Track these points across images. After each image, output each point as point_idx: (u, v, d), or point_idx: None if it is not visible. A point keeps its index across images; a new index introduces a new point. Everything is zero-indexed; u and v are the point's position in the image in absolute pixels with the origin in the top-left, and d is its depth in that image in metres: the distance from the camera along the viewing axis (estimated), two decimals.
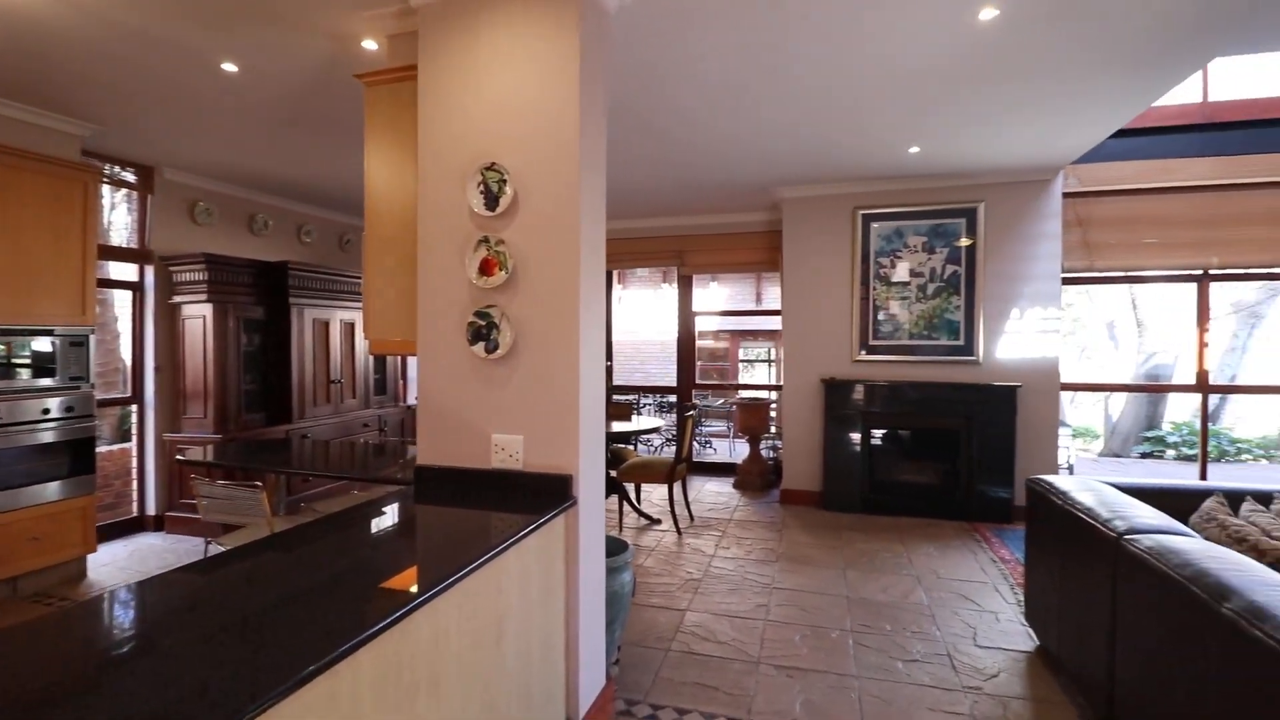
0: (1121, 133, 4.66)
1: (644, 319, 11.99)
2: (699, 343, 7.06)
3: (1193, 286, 4.66)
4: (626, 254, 6.34)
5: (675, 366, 6.52)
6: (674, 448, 8.13)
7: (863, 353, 5.03)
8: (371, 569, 1.48)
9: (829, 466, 5.01)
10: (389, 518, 1.90)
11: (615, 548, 2.57)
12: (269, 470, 3.23)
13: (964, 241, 4.77)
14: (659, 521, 4.73)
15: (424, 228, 2.15)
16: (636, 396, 8.56)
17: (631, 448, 5.62)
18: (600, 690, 2.21)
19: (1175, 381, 10.46)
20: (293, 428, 4.92)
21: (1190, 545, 1.86)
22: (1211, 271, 4.55)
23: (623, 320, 11.69)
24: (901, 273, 4.93)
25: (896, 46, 2.75)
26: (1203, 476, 4.78)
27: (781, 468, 5.40)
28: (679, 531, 4.46)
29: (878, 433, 5.04)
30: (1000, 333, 4.75)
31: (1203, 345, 4.63)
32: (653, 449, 8.35)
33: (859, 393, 4.92)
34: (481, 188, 2.05)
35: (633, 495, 4.91)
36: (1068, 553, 2.47)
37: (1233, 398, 9.87)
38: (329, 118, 3.59)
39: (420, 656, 1.28)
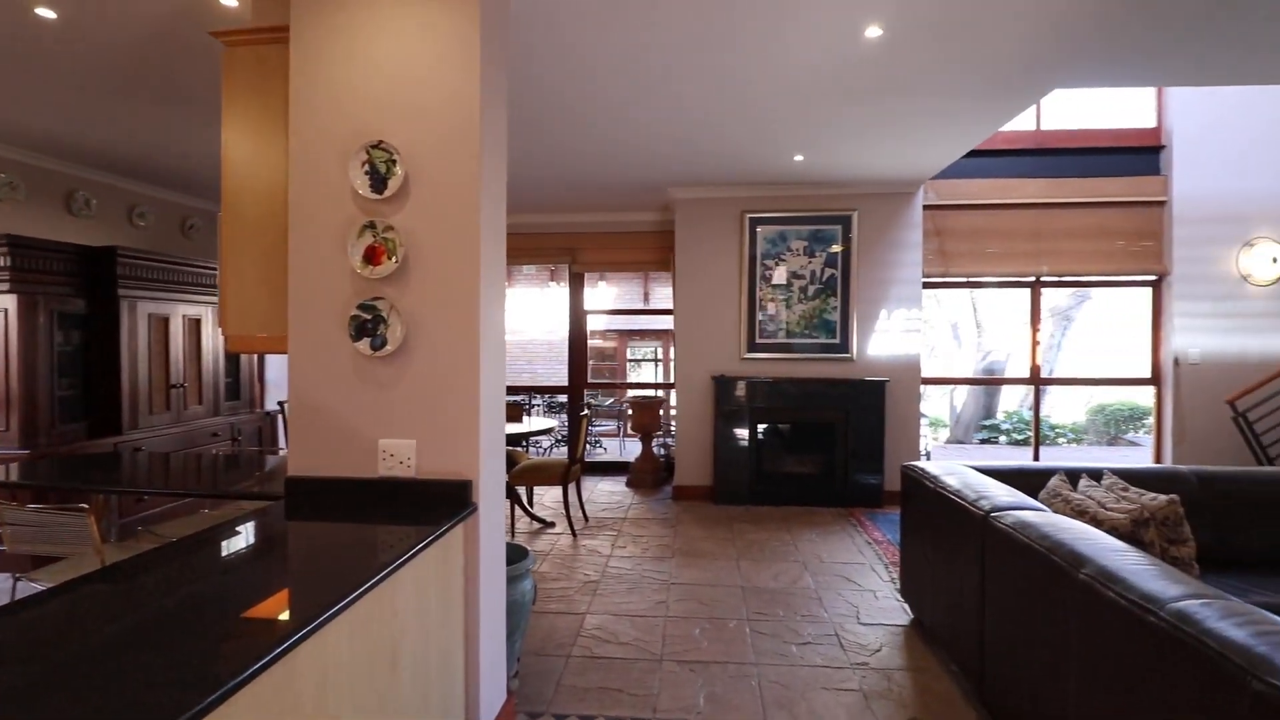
0: (972, 153, 5.19)
1: (531, 318, 11.74)
2: (590, 342, 7.00)
3: (1027, 291, 5.31)
4: (515, 250, 6.15)
5: (566, 366, 6.42)
6: (564, 449, 8.02)
7: (750, 351, 5.22)
8: (239, 597, 1.27)
9: (719, 461, 5.15)
10: (256, 538, 1.66)
11: (515, 555, 2.45)
12: (93, 490, 2.75)
13: (836, 248, 5.09)
14: (553, 524, 4.62)
15: (297, 211, 1.91)
16: (526, 397, 8.35)
17: (523, 449, 5.46)
18: (501, 706, 2.09)
19: (1008, 376, 11.88)
20: (123, 440, 4.26)
21: (1046, 519, 2.08)
22: (1042, 279, 5.21)
23: (509, 319, 11.43)
24: (784, 275, 5.18)
25: (787, 58, 2.86)
26: (1035, 458, 5.46)
27: (674, 464, 5.48)
28: (574, 533, 4.38)
29: (764, 427, 5.26)
30: (871, 332, 5.13)
31: (1035, 344, 5.29)
32: (542, 450, 8.19)
33: (747, 389, 5.10)
34: (367, 168, 1.86)
35: (524, 499, 4.76)
36: (940, 531, 2.69)
37: (1049, 389, 11.43)
38: (171, 81, 3.13)
39: (306, 695, 1.11)
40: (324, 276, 1.89)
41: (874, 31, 2.59)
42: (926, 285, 5.23)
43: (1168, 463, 5.03)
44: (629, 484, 5.80)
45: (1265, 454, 4.47)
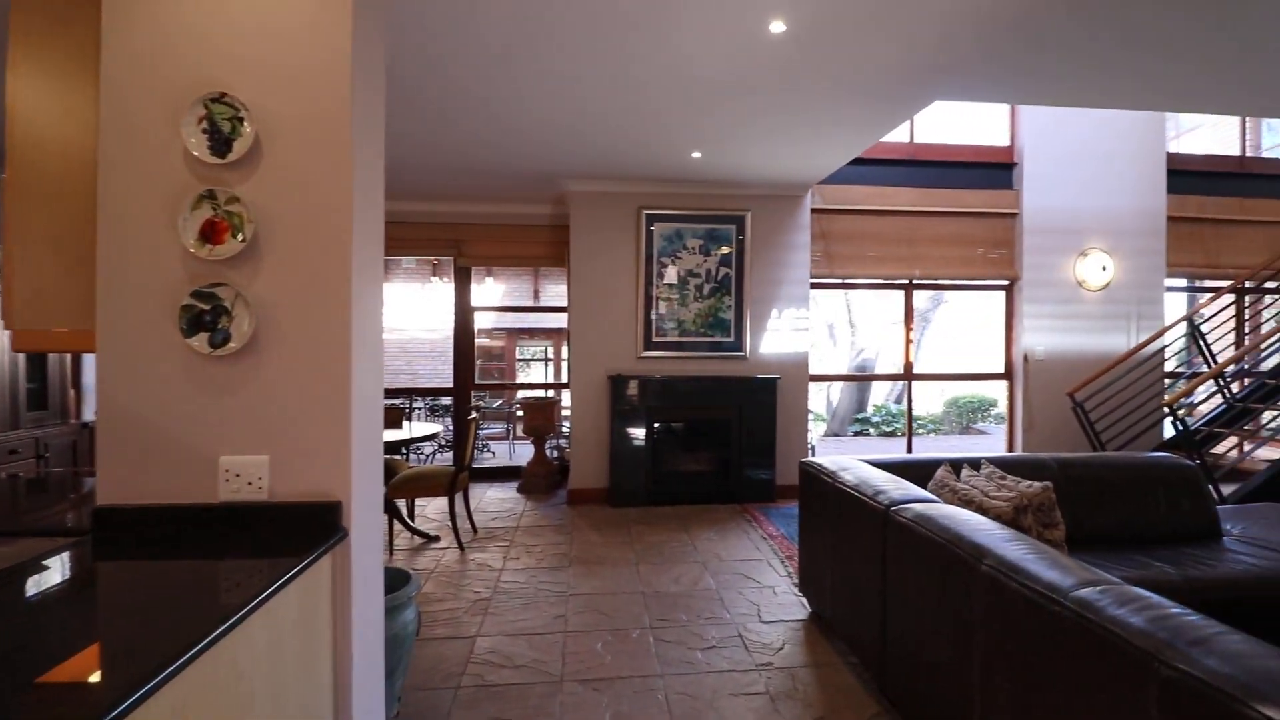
0: (856, 160, 5.43)
1: (411, 315, 11.02)
2: (478, 341, 6.62)
3: (897, 293, 5.67)
4: (395, 241, 5.67)
5: (451, 366, 6.02)
6: (450, 455, 7.55)
7: (647, 349, 5.15)
8: (25, 662, 0.94)
9: (616, 462, 5.03)
10: (46, 587, 1.29)
11: (395, 581, 2.16)
12: None
13: (724, 250, 5.14)
14: (437, 538, 4.27)
15: (111, 176, 1.53)
16: (406, 400, 7.77)
17: (403, 458, 5.03)
18: None
19: (878, 372, 12.76)
20: None
21: (945, 512, 2.13)
22: (914, 281, 5.57)
23: (387, 317, 10.65)
24: (681, 273, 5.15)
25: (687, 51, 2.78)
26: (909, 448, 5.84)
27: (568, 467, 5.29)
28: (461, 547, 4.07)
29: (660, 426, 5.20)
30: (763, 330, 5.23)
31: (908, 342, 5.65)
32: (424, 458, 7.66)
33: (644, 388, 5.02)
34: (205, 125, 1.52)
35: (404, 512, 4.37)
36: (839, 526, 2.72)
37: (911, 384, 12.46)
38: None
39: None
40: (146, 258, 1.53)
41: (778, 26, 2.57)
42: (814, 286, 5.43)
43: (1019, 448, 5.56)
44: (521, 490, 5.53)
45: (1098, 439, 5.06)
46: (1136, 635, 1.28)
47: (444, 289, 10.55)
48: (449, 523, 4.17)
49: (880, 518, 2.34)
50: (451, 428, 6.91)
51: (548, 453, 5.82)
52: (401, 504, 4.32)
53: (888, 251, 5.47)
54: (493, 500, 5.29)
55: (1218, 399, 5.16)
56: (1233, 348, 5.81)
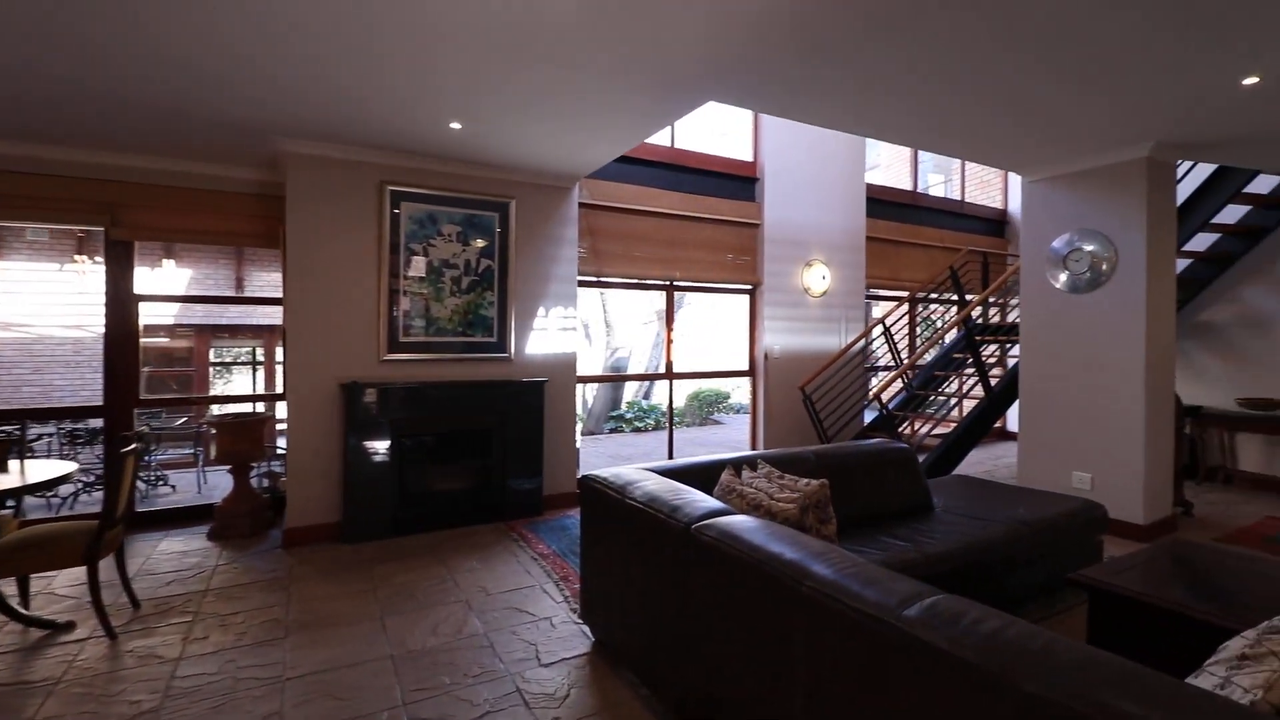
0: (622, 159, 5.32)
1: (38, 305, 8.10)
2: (147, 341, 4.96)
3: (647, 294, 5.73)
4: (8, 199, 3.92)
5: (102, 375, 4.39)
6: (100, 501, 5.56)
7: (392, 351, 4.33)
8: None
9: (351, 488, 4.13)
10: None
11: None
12: None
13: (479, 243, 4.59)
14: (71, 625, 2.95)
15: None
16: (18, 426, 5.43)
17: (11, 513, 3.44)
18: None
19: (631, 371, 13.23)
20: None
21: (750, 527, 1.95)
22: (676, 283, 5.68)
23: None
24: (434, 263, 4.45)
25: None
26: (670, 444, 5.95)
27: (284, 500, 4.20)
28: (112, 634, 2.85)
29: (410, 441, 4.43)
30: (530, 329, 4.80)
31: (669, 341, 5.74)
32: (53, 508, 5.48)
33: (389, 397, 4.21)
34: None
35: (5, 597, 2.94)
36: (631, 546, 2.43)
37: (657, 381, 13.21)
38: None
39: None
40: None
41: None
42: (582, 284, 5.17)
43: (761, 438, 6.04)
44: (214, 536, 4.23)
45: (822, 428, 5.71)
46: (990, 655, 1.19)
47: (94, 271, 7.95)
48: (92, 599, 2.89)
49: (680, 537, 2.09)
50: (104, 460, 5.07)
51: (255, 484, 4.58)
52: (6, 584, 2.89)
53: (653, 253, 5.48)
54: (169, 555, 3.93)
55: (905, 389, 6.24)
56: (908, 345, 7.14)
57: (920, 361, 6.36)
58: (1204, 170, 5.07)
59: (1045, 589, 3.22)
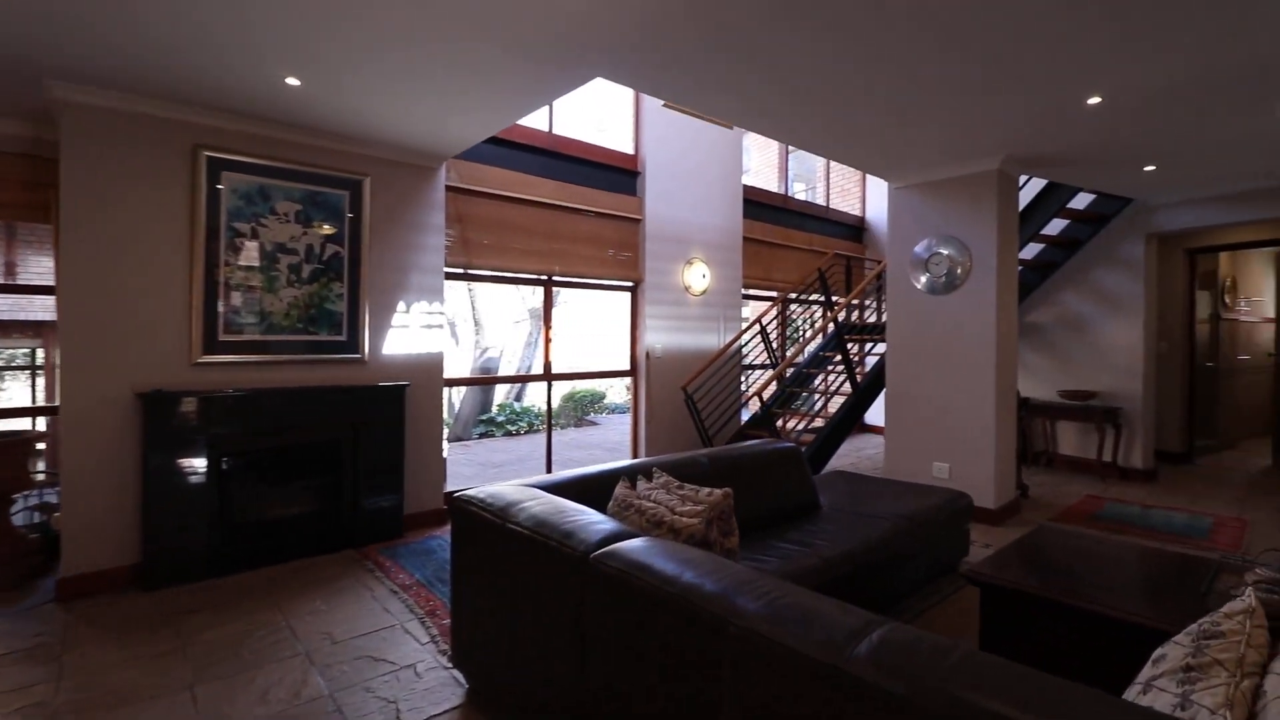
0: (495, 141, 4.86)
1: None
2: None
3: (538, 291, 5.35)
4: None
5: None
6: None
7: (210, 352, 3.57)
8: None
9: (154, 522, 3.34)
10: None
11: None
12: None
13: (325, 227, 3.97)
14: None
15: None
16: None
17: None
18: None
19: (501, 372, 12.60)
20: None
21: (658, 552, 1.68)
22: (555, 278, 5.32)
23: None
24: (267, 247, 3.74)
25: None
26: (549, 450, 5.57)
27: (58, 542, 3.31)
28: None
29: (236, 460, 3.69)
30: (387, 327, 4.22)
31: (549, 340, 5.37)
32: None
33: (207, 408, 3.46)
34: None
35: None
36: (514, 578, 2.07)
37: (552, 383, 12.70)
38: None
39: None
40: None
41: None
42: (450, 277, 4.66)
43: (643, 439, 5.86)
44: None
45: (705, 429, 5.64)
46: (961, 705, 1.00)
47: None
48: None
49: (576, 567, 1.78)
50: None
51: (15, 522, 3.59)
52: None
53: (530, 245, 5.08)
54: None
55: (780, 387, 6.35)
56: (780, 344, 7.33)
57: (794, 360, 6.53)
58: (1036, 185, 5.63)
59: (923, 580, 3.30)
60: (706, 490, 2.38)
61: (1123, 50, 2.74)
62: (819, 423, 5.67)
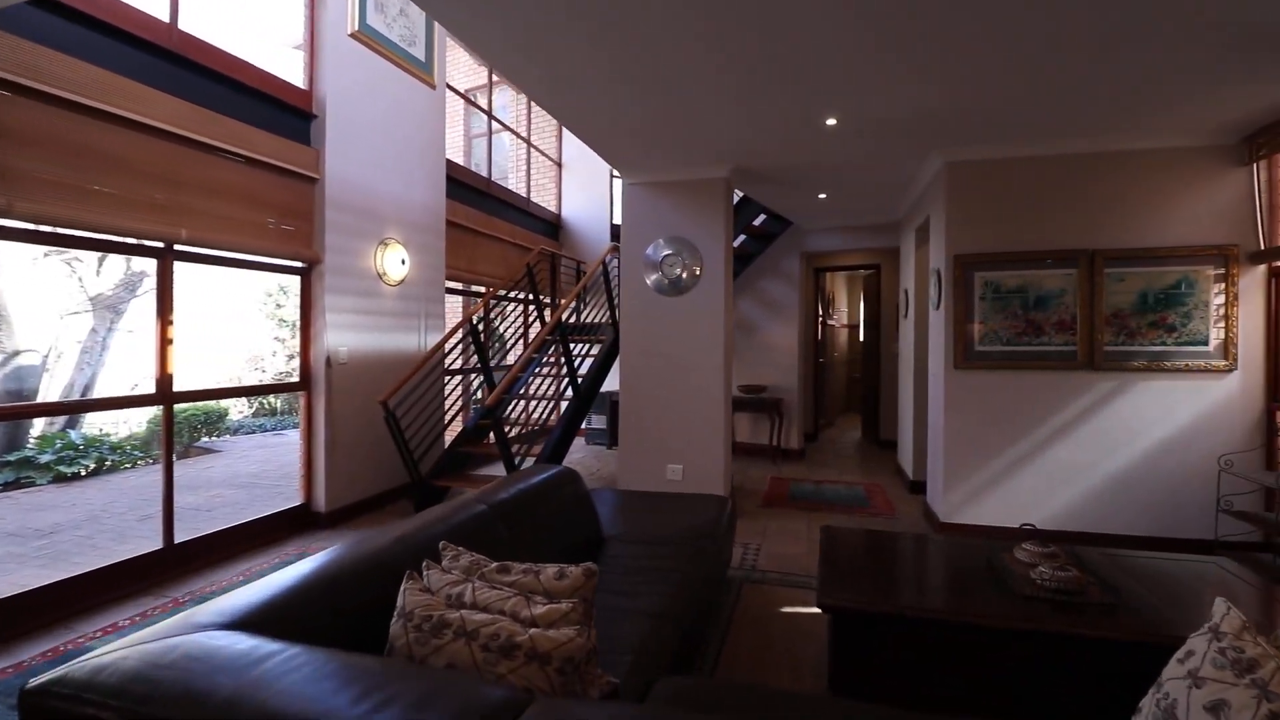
0: (82, 20, 2.98)
1: None
2: None
3: (151, 262, 3.47)
4: None
5: None
6: None
7: None
8: None
9: None
10: None
11: None
12: None
13: None
14: None
15: None
16: None
17: None
18: None
19: (43, 387, 8.71)
20: None
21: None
22: (178, 247, 3.51)
23: None
24: None
25: None
26: (168, 503, 3.67)
27: None
28: None
29: None
30: None
31: (168, 341, 3.53)
32: None
33: None
34: None
35: None
36: None
37: (173, 405, 8.98)
38: None
39: None
40: None
41: None
42: None
43: (320, 473, 4.42)
44: None
45: (408, 450, 4.53)
46: None
47: None
48: None
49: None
50: None
51: None
52: None
53: (137, 191, 3.21)
54: None
55: (499, 396, 5.58)
56: (496, 346, 6.53)
57: (506, 362, 5.85)
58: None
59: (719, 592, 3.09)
60: (555, 569, 1.62)
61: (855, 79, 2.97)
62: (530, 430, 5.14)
